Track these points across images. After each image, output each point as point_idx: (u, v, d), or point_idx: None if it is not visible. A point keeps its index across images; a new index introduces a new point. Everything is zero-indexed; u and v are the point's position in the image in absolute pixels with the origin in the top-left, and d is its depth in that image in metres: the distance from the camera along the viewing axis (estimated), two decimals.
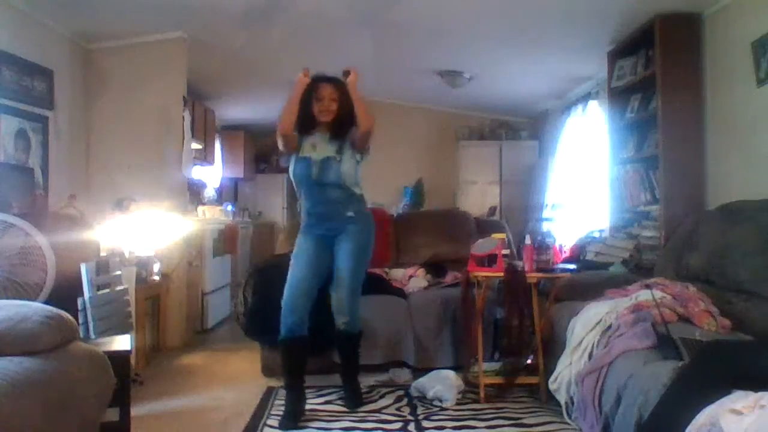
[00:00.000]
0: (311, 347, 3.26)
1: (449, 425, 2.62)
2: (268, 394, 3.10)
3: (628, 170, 4.03)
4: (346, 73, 2.94)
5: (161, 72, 4.33)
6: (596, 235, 4.29)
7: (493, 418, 2.71)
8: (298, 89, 2.91)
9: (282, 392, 3.12)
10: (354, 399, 2.96)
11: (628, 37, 3.99)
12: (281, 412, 2.77)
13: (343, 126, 2.95)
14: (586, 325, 2.53)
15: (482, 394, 2.97)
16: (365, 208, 3.05)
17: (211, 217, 5.63)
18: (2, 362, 1.58)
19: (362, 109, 2.89)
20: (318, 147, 2.93)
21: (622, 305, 2.48)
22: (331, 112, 2.92)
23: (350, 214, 2.95)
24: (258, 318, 3.42)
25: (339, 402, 2.98)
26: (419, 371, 3.31)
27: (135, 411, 2.45)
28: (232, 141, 7.38)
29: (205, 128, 6.02)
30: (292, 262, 2.95)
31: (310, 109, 2.92)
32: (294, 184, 3.02)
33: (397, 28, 4.40)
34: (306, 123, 2.95)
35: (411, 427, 2.62)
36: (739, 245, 2.61)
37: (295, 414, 2.72)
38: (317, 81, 2.94)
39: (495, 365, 3.16)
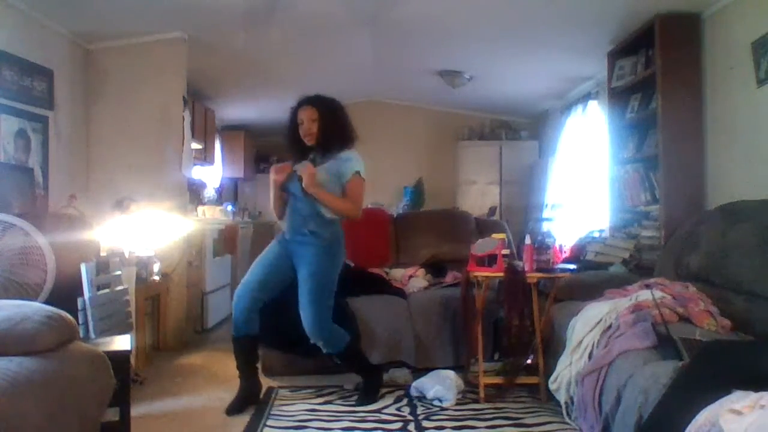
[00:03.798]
0: (311, 348, 3.27)
1: (449, 425, 2.62)
2: (268, 394, 3.10)
3: (628, 170, 4.03)
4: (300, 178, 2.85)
5: (161, 72, 4.33)
6: (596, 235, 4.29)
7: (493, 418, 2.71)
8: (273, 190, 2.94)
9: (282, 392, 3.14)
10: (369, 397, 2.99)
11: (628, 37, 3.99)
12: (279, 412, 2.78)
13: (330, 146, 2.91)
14: (586, 325, 2.53)
15: (482, 394, 2.97)
16: (334, 232, 2.94)
17: (211, 217, 5.63)
18: (2, 362, 1.58)
19: (332, 204, 2.85)
20: (292, 185, 2.93)
21: (622, 305, 2.48)
22: (312, 134, 2.89)
23: (309, 232, 2.88)
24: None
25: (339, 402, 2.99)
26: (419, 371, 3.31)
27: (135, 411, 2.45)
28: (232, 141, 7.37)
29: (205, 128, 6.02)
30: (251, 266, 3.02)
31: (297, 133, 2.92)
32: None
33: (397, 28, 4.40)
34: (299, 149, 2.96)
35: (411, 427, 2.62)
36: (739, 245, 2.61)
37: (243, 400, 2.89)
38: (298, 105, 2.94)
39: (495, 365, 3.16)
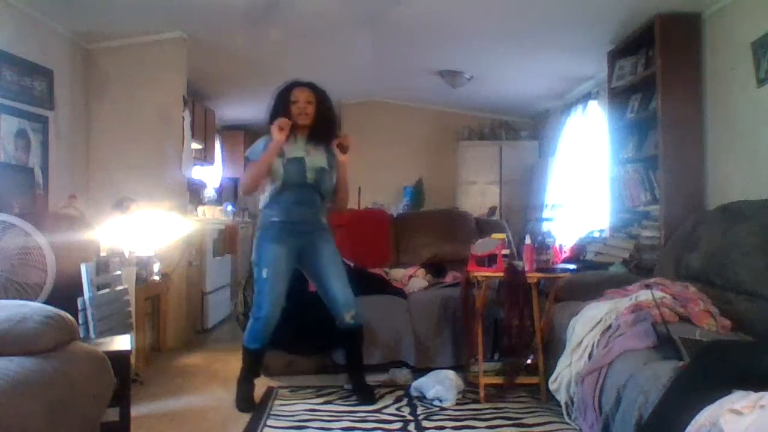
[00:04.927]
0: (312, 348, 3.27)
1: (449, 425, 2.62)
2: (268, 394, 3.10)
3: (628, 170, 4.03)
4: (343, 147, 2.95)
5: (161, 72, 4.33)
6: (596, 235, 4.29)
7: (493, 418, 2.71)
8: (272, 150, 2.83)
9: (282, 392, 3.14)
10: (367, 394, 3.01)
11: (628, 37, 3.99)
12: (279, 412, 2.78)
13: (322, 131, 2.96)
14: (586, 325, 2.53)
15: (482, 394, 2.97)
16: None
17: (211, 217, 5.63)
18: (2, 362, 1.58)
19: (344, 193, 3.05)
20: (312, 153, 2.95)
21: (622, 305, 2.48)
22: (307, 115, 2.92)
23: (323, 221, 3.03)
24: None
25: (339, 402, 2.99)
26: (419, 371, 3.31)
27: (135, 411, 2.45)
28: (232, 141, 7.38)
29: (205, 128, 6.02)
30: (267, 273, 2.90)
31: (289, 112, 2.91)
32: (277, 183, 2.90)
33: (397, 28, 4.39)
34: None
35: (411, 427, 2.62)
36: (739, 245, 2.61)
37: (253, 399, 2.97)
38: (293, 86, 2.95)
39: (495, 365, 3.15)
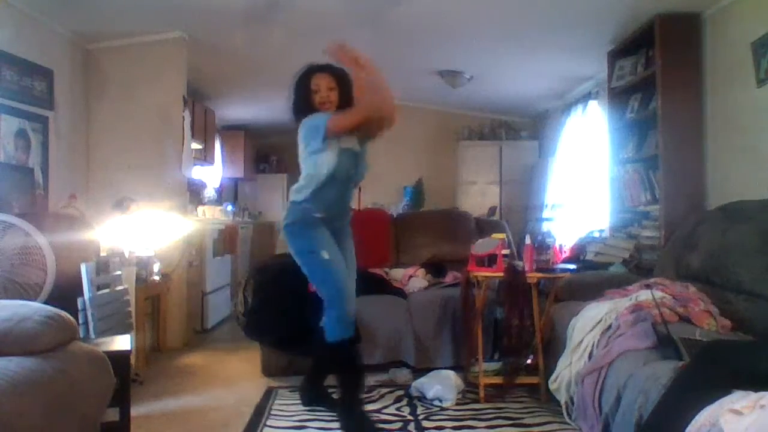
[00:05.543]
0: (310, 348, 3.26)
1: (449, 425, 2.62)
2: (268, 394, 3.10)
3: (628, 170, 4.03)
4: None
5: (161, 72, 4.33)
6: (596, 235, 4.29)
7: (493, 418, 2.71)
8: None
9: (282, 392, 3.14)
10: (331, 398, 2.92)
11: (628, 37, 3.99)
12: (279, 412, 2.78)
13: None
14: (586, 325, 2.53)
15: (482, 394, 2.97)
16: None
17: (211, 217, 5.63)
18: (2, 362, 1.58)
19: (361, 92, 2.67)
20: (343, 140, 2.71)
21: (622, 305, 2.48)
22: (332, 103, 2.74)
23: (351, 213, 2.93)
24: (258, 318, 3.42)
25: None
26: (419, 371, 3.31)
27: (135, 411, 2.45)
28: (232, 141, 7.38)
29: (205, 128, 6.02)
30: (327, 254, 2.66)
31: (311, 101, 2.76)
32: (324, 177, 2.67)
33: (397, 28, 4.39)
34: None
35: (411, 427, 2.62)
36: (739, 245, 2.61)
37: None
38: (311, 72, 2.79)
39: (495, 365, 3.16)
